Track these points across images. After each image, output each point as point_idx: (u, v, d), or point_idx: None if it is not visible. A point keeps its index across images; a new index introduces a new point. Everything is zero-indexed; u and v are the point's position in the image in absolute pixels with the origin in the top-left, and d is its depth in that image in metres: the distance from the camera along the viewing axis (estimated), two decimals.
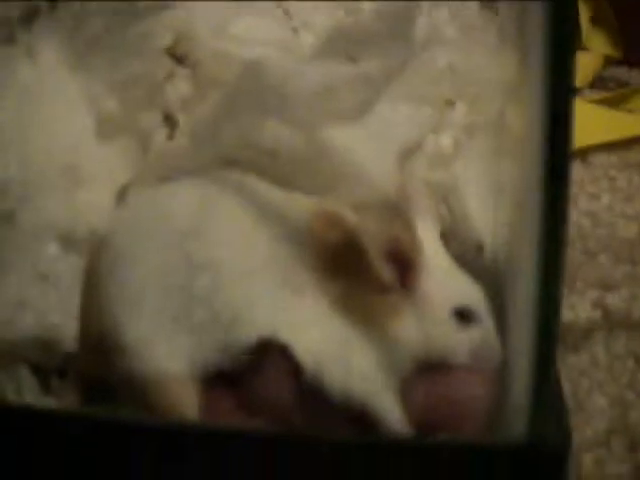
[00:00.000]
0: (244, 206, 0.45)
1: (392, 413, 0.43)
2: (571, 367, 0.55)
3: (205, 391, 0.44)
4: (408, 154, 0.50)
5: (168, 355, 0.43)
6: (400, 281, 0.44)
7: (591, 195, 0.71)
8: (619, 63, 0.88)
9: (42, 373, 0.48)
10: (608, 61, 0.88)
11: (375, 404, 0.43)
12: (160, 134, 0.50)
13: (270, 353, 0.43)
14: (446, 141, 0.56)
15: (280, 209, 0.45)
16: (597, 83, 0.85)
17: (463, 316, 0.44)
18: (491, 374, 0.44)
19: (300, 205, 0.45)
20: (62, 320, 0.45)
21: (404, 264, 0.43)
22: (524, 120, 0.48)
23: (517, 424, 0.41)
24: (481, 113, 0.55)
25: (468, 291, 0.45)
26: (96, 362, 0.45)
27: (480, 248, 0.54)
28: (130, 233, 0.45)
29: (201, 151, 0.47)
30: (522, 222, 0.46)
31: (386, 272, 0.43)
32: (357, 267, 0.43)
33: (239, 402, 0.44)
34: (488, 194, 0.56)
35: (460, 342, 0.43)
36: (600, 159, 0.76)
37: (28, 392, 0.46)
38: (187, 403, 0.44)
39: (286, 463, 0.41)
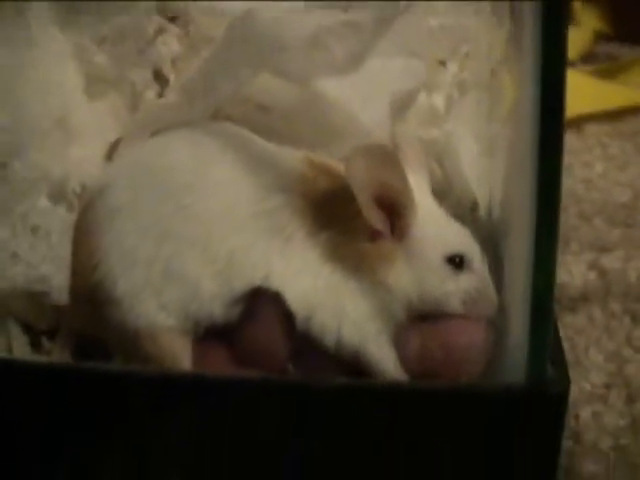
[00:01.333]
0: (237, 157, 0.43)
1: (386, 360, 0.41)
2: (568, 326, 0.54)
3: (197, 343, 0.43)
4: (400, 108, 0.49)
5: (160, 307, 0.42)
6: (391, 228, 0.42)
7: (585, 163, 0.70)
8: (610, 39, 0.88)
9: (33, 332, 0.47)
10: (599, 37, 0.88)
11: (368, 351, 0.41)
12: (150, 92, 0.49)
13: (262, 301, 0.41)
14: (438, 100, 0.55)
15: (272, 160, 0.43)
16: (588, 58, 0.85)
17: (456, 263, 0.42)
18: (486, 321, 0.43)
19: (291, 156, 0.44)
20: (52, 272, 0.43)
21: (395, 211, 0.42)
22: (517, 84, 0.47)
23: (516, 368, 0.39)
24: (473, 71, 0.54)
25: (460, 238, 0.43)
26: (87, 316, 0.44)
27: (474, 207, 0.53)
28: (125, 186, 0.43)
29: (192, 106, 0.46)
30: (517, 180, 0.45)
31: (376, 219, 0.41)
32: (347, 215, 0.42)
33: (232, 353, 0.42)
34: (481, 153, 0.54)
35: (454, 289, 0.42)
36: (593, 129, 0.75)
37: (18, 349, 0.45)
38: (179, 355, 0.42)
39: (280, 410, 0.40)
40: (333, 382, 0.40)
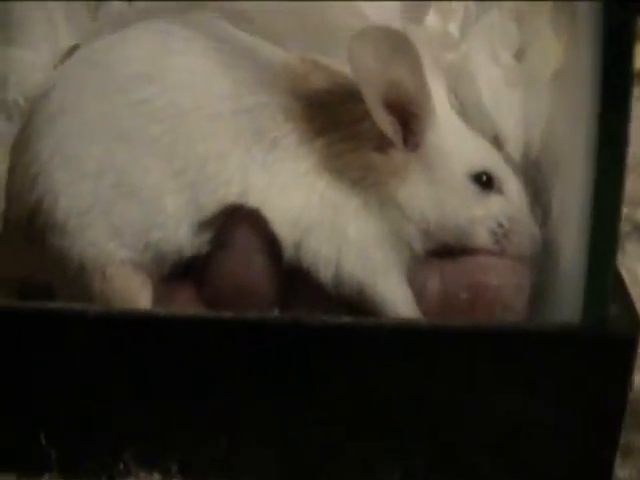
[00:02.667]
0: (213, 47, 0.32)
1: (399, 298, 0.30)
2: None
3: (160, 283, 0.31)
4: (415, 6, 0.38)
5: (111, 232, 0.30)
6: (404, 135, 0.31)
7: None
8: None
9: None
10: None
11: (376, 287, 0.30)
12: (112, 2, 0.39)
13: (238, 223, 0.30)
14: (453, 25, 0.45)
15: (255, 53, 0.32)
16: None
17: (483, 182, 0.31)
18: (522, 258, 0.31)
19: (279, 51, 0.33)
20: None
21: (408, 114, 0.31)
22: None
23: (570, 306, 0.28)
24: None
25: (489, 155, 0.32)
26: (25, 250, 0.32)
27: (496, 139, 0.43)
28: (72, 84, 0.32)
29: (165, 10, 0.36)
30: (569, 117, 0.34)
31: (386, 122, 0.30)
32: (350, 118, 0.31)
33: (202, 293, 0.31)
34: (507, 81, 0.44)
35: (480, 214, 0.31)
36: None
37: None
38: (136, 295, 0.30)
39: (268, 356, 0.28)
40: (335, 321, 0.28)
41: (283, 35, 0.37)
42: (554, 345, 0.28)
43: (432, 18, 0.43)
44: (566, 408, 0.28)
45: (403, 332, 0.28)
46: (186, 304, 0.31)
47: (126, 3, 0.37)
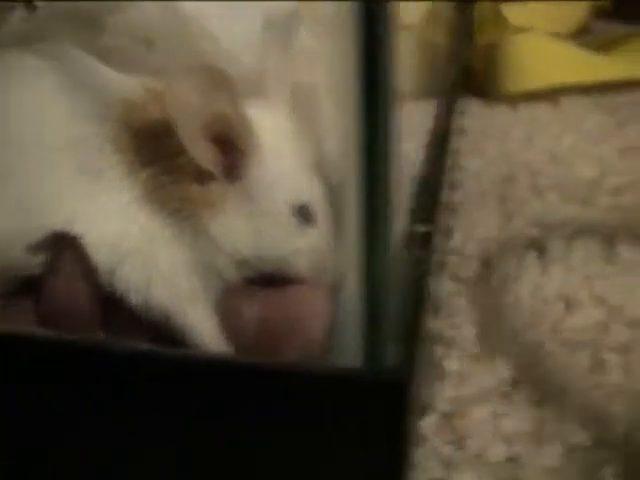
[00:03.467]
0: (60, 80, 0.32)
1: (201, 326, 0.31)
2: (485, 307, 0.42)
3: (3, 296, 0.33)
4: (278, 27, 0.38)
5: None
6: (225, 168, 0.31)
7: (555, 135, 0.57)
8: (610, 17, 0.74)
9: None
10: (599, 14, 0.74)
11: (182, 314, 0.31)
12: (14, 16, 0.40)
13: (60, 249, 0.31)
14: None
15: (101, 83, 0.33)
16: (585, 36, 0.72)
17: (303, 215, 0.32)
18: (328, 287, 0.32)
19: (126, 81, 0.33)
20: None
21: (231, 148, 0.31)
22: None
23: (354, 346, 0.28)
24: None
25: (310, 189, 0.32)
26: None
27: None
28: None
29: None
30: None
31: (203, 155, 0.30)
32: (175, 150, 0.31)
33: (38, 309, 0.33)
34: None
35: (301, 246, 0.31)
36: (571, 101, 0.61)
37: None
38: None
39: (77, 374, 0.29)
40: (132, 348, 0.28)
41: (171, 61, 0.37)
42: (334, 390, 0.27)
43: (304, 36, 0.42)
44: (346, 455, 0.28)
45: (189, 363, 0.28)
46: (26, 320, 0.33)
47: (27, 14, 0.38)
